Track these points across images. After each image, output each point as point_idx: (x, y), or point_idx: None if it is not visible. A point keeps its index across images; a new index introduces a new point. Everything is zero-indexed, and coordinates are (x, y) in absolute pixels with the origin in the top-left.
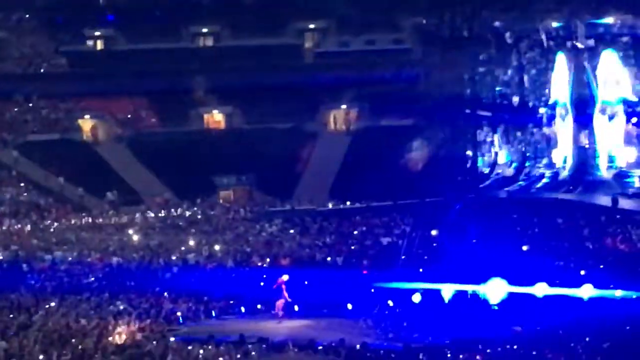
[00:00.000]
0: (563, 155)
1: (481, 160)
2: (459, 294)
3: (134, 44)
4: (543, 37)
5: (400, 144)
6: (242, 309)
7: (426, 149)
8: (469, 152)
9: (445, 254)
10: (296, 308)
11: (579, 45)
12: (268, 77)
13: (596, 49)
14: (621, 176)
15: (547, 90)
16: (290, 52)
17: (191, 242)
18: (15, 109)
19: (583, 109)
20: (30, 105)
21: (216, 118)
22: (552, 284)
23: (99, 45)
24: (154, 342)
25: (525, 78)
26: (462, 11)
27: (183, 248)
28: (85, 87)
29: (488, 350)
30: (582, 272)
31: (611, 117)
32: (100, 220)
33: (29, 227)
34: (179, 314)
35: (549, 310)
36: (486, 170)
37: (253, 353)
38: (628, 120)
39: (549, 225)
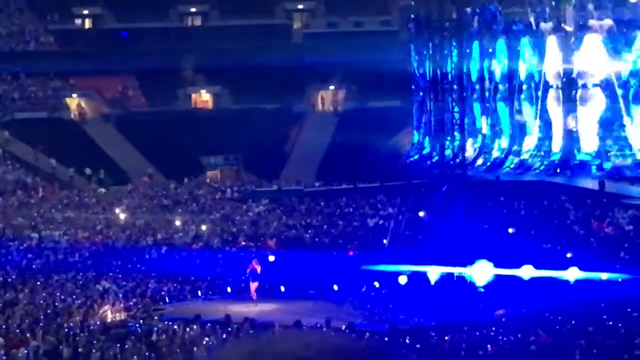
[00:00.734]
0: (549, 139)
1: (468, 144)
2: (445, 276)
3: (123, 23)
4: (532, 20)
5: (388, 125)
6: (229, 289)
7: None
8: (456, 135)
9: (432, 236)
10: (282, 289)
11: (568, 28)
12: (256, 57)
13: (581, 32)
14: (602, 157)
15: (535, 74)
16: (278, 33)
17: (178, 222)
18: (3, 87)
19: (568, 92)
20: (18, 83)
21: (204, 98)
22: (538, 267)
23: (87, 24)
24: (140, 321)
25: (513, 62)
26: None
27: (170, 228)
28: (73, 65)
29: (476, 333)
30: (569, 255)
31: (590, 100)
32: (87, 199)
33: (15, 205)
34: (164, 293)
35: (535, 292)
36: (473, 154)
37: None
38: (611, 103)
39: (536, 208)
